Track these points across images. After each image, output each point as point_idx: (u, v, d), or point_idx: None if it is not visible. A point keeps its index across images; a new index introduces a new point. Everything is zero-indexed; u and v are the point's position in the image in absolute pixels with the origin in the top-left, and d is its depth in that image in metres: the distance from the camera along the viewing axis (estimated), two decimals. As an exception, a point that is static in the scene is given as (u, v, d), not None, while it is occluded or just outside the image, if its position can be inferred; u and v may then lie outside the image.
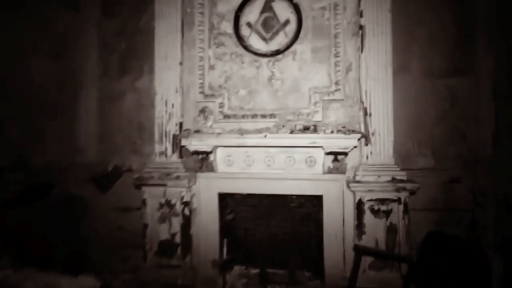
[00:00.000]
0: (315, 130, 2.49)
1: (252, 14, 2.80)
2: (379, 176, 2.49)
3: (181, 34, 2.83)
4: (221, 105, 2.79)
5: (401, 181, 2.48)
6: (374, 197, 2.49)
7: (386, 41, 2.58)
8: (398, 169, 2.53)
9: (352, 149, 2.49)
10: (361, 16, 2.62)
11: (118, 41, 3.27)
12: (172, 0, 2.82)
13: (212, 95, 2.81)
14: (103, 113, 3.36)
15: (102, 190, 3.36)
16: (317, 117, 2.67)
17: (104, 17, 3.35)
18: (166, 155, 2.79)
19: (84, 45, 3.37)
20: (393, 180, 2.48)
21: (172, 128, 2.79)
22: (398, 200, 2.48)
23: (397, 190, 2.47)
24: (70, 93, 3.33)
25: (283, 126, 2.55)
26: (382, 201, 2.49)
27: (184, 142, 2.63)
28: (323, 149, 2.51)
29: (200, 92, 2.82)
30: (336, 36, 2.68)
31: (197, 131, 2.65)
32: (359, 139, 2.48)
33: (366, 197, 2.49)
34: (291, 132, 2.48)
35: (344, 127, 2.60)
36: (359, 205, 2.51)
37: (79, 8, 3.37)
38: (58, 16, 3.22)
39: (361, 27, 2.62)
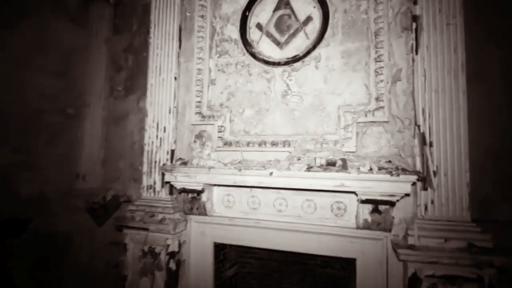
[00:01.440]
0: (344, 166, 1.74)
1: (263, 13, 2.23)
2: (446, 240, 1.61)
3: (177, 43, 2.38)
4: (221, 129, 2.22)
5: (484, 250, 1.57)
6: (439, 273, 1.61)
7: (456, 35, 1.76)
8: (478, 229, 1.62)
9: (402, 197, 1.67)
10: (415, 3, 1.86)
11: (125, 58, 2.96)
12: (169, 3, 2.39)
13: (211, 117, 2.26)
14: (108, 135, 3.05)
15: (98, 222, 2.98)
16: (349, 147, 1.92)
17: (113, 33, 3.10)
18: (154, 190, 2.28)
19: (90, 63, 3.14)
20: (470, 247, 1.58)
21: (163, 157, 2.29)
22: (479, 281, 1.56)
23: (477, 264, 1.56)
24: (72, 114, 3.10)
25: (299, 159, 1.85)
26: (451, 279, 1.60)
27: (168, 177, 2.10)
28: (356, 195, 1.74)
29: (197, 113, 2.29)
30: (377, 34, 1.94)
31: (184, 163, 2.10)
32: (414, 183, 1.65)
33: (425, 271, 1.63)
34: (309, 168, 1.75)
35: (389, 161, 1.79)
36: (414, 281, 1.64)
37: (88, 24, 3.18)
38: (64, 30, 3.05)
39: (415, 18, 1.85)
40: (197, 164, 2.00)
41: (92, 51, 3.12)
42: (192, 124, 2.29)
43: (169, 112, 2.32)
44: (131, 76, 2.89)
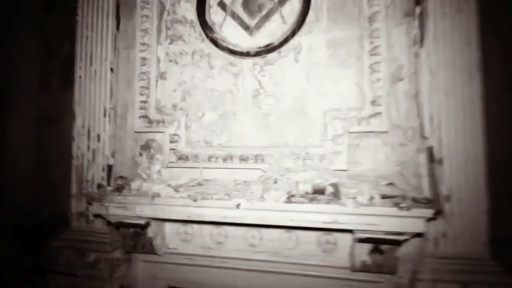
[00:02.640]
0: (335, 195, 1.32)
1: None
2: (464, 286, 1.28)
3: (114, 23, 1.79)
4: (175, 138, 1.70)
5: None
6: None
7: (469, 24, 1.41)
8: (500, 269, 1.30)
9: (413, 236, 1.31)
10: (419, -19, 1.48)
11: (59, 43, 2.28)
12: (103, -31, 1.79)
13: (161, 122, 1.72)
14: (40, 139, 2.38)
15: (29, 250, 2.35)
16: (339, 164, 1.51)
17: (44, 11, 2.40)
18: (87, 219, 1.72)
19: (16, 50, 2.43)
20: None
21: (97, 175, 1.73)
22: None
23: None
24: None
25: (275, 182, 1.41)
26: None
27: (97, 209, 1.53)
28: (353, 233, 1.34)
29: (143, 117, 1.75)
30: (371, 20, 1.53)
31: (118, 189, 1.55)
32: (429, 219, 1.28)
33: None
34: (290, 197, 1.30)
35: (391, 184, 1.42)
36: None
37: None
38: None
39: (419, 1, 1.47)
40: (138, 190, 1.47)
41: (17, 34, 2.41)
42: (136, 132, 1.74)
43: (104, 115, 1.75)
44: (68, 66, 2.22)
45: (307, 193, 1.29)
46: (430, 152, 1.42)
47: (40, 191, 2.40)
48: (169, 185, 1.43)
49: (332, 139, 1.55)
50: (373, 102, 1.52)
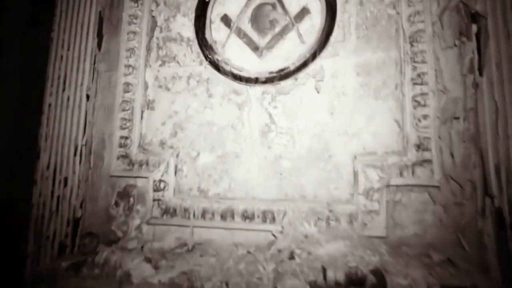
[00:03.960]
0: (381, 284, 1.02)
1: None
2: None
3: (95, 41, 1.60)
4: (161, 186, 1.45)
5: None
6: None
7: None
8: None
9: None
10: (474, -6, 1.25)
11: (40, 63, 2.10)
12: (85, -22, 1.63)
13: (145, 164, 1.48)
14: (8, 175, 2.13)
15: None
16: (375, 228, 1.23)
17: (31, 22, 2.23)
18: None
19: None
20: None
21: (60, 229, 1.47)
22: None
23: None
24: None
25: (291, 258, 1.11)
26: None
27: None
28: None
29: (122, 156, 1.51)
30: (414, 40, 1.30)
31: (77, 265, 1.26)
32: None
33: None
34: (314, 284, 1.00)
35: (449, 260, 1.12)
36: None
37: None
38: None
39: (475, 18, 1.24)
40: (103, 267, 1.17)
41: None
42: (113, 176, 1.50)
43: (75, 153, 1.51)
44: (42, 90, 2.04)
45: (339, 284, 0.98)
46: (498, 215, 1.13)
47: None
48: (147, 259, 1.14)
49: (365, 193, 1.27)
50: (419, 146, 1.26)
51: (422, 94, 1.30)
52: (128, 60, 1.57)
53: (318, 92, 1.39)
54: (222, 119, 1.48)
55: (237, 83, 1.48)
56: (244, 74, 1.45)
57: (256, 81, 1.43)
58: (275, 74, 1.43)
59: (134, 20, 1.61)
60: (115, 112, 1.56)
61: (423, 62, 1.31)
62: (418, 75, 1.31)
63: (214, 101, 1.50)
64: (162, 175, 1.47)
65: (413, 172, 1.27)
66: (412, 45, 1.33)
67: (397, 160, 1.30)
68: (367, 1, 1.43)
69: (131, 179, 1.49)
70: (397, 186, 1.26)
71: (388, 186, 1.26)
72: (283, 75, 1.41)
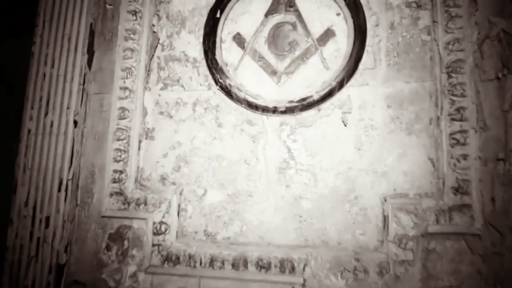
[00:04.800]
0: None
1: (247, 17, 1.44)
2: None
3: (85, 58, 1.46)
4: (161, 229, 1.31)
5: None
6: None
7: None
8: None
9: None
10: (516, 21, 1.19)
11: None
12: (74, -15, 1.48)
13: (143, 203, 1.34)
14: None
15: None
16: (408, 281, 1.14)
17: (8, 34, 2.03)
18: None
19: None
20: None
21: (40, 278, 1.30)
22: None
23: None
24: None
25: None
26: None
27: None
28: None
29: (116, 193, 1.37)
30: (452, 70, 1.23)
31: None
32: None
33: None
34: None
35: None
36: None
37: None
38: None
39: None
40: None
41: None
42: (104, 216, 1.35)
43: (60, 189, 1.35)
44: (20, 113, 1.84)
45: None
46: (549, 272, 1.06)
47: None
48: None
49: (397, 240, 1.18)
50: (457, 189, 1.18)
51: (462, 131, 1.22)
52: (124, 82, 1.44)
53: (345, 125, 1.30)
54: (233, 152, 1.37)
55: (252, 112, 1.37)
56: (260, 102, 1.35)
57: (274, 111, 1.33)
58: (295, 104, 1.32)
59: (132, 36, 1.47)
60: (108, 142, 1.42)
61: (463, 95, 1.24)
62: (457, 110, 1.24)
63: (224, 131, 1.39)
64: (163, 216, 1.33)
65: (450, 218, 1.19)
66: (450, 76, 1.27)
67: (432, 204, 1.23)
68: (399, 25, 1.36)
69: (125, 220, 1.35)
70: (431, 234, 1.19)
71: (424, 235, 1.18)
72: (305, 105, 1.31)
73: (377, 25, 1.36)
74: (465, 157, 1.23)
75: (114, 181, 1.37)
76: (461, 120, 1.24)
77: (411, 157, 1.28)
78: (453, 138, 1.25)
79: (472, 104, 1.24)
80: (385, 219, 1.25)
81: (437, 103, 1.28)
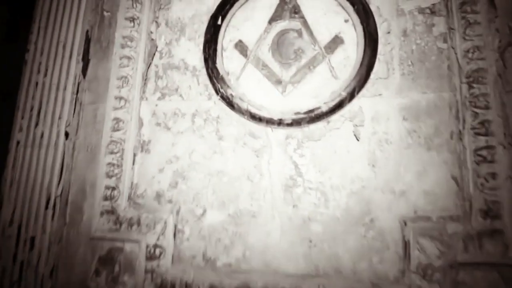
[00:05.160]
0: None
1: (250, 24, 1.35)
2: None
3: (79, 66, 1.38)
4: (156, 252, 1.18)
5: None
6: None
7: None
8: None
9: None
10: (544, 28, 1.09)
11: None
12: (71, -9, 1.43)
13: (136, 223, 1.21)
14: None
15: None
16: None
17: (6, 39, 1.99)
18: None
19: None
20: None
21: None
22: None
23: None
24: None
25: None
26: None
27: None
28: None
29: (107, 212, 1.24)
30: (473, 80, 1.13)
31: None
32: None
33: None
34: None
35: None
36: None
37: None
38: None
39: None
40: None
41: None
42: (94, 238, 1.23)
43: (47, 206, 1.25)
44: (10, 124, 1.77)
45: None
46: None
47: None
48: None
49: (420, 270, 1.04)
50: (486, 213, 1.06)
51: (488, 147, 1.10)
52: (119, 91, 1.33)
53: (357, 139, 1.19)
54: (235, 167, 1.25)
55: (255, 124, 1.26)
56: (264, 113, 1.23)
57: (279, 123, 1.21)
58: (302, 115, 1.21)
59: (129, 43, 1.38)
60: (101, 155, 1.30)
61: (487, 107, 1.13)
62: (481, 124, 1.13)
63: (225, 145, 1.28)
64: (157, 238, 1.20)
65: (480, 246, 1.06)
66: (471, 86, 1.15)
67: (459, 229, 1.09)
68: (412, 32, 1.26)
69: (117, 241, 1.24)
70: (460, 264, 1.06)
71: (452, 265, 1.05)
72: (313, 116, 1.20)
73: (388, 32, 1.26)
74: (493, 176, 1.10)
75: (106, 198, 1.25)
76: (486, 134, 1.13)
77: (432, 175, 1.15)
78: (479, 155, 1.13)
79: (498, 118, 1.13)
80: (405, 245, 1.10)
81: (458, 115, 1.17)
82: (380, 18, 1.29)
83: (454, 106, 1.19)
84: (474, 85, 1.17)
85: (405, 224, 1.13)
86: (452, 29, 1.23)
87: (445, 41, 1.24)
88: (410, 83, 1.24)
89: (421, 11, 1.29)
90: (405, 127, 1.20)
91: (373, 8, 1.28)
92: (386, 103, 1.21)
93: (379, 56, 1.25)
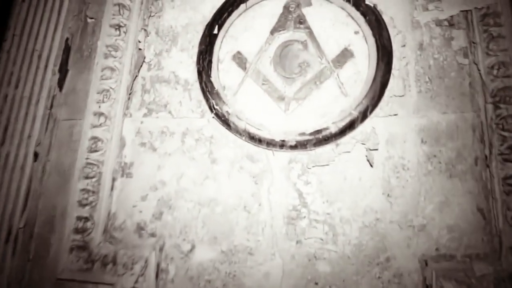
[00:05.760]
0: None
1: (250, 34, 1.22)
2: None
3: (56, 77, 1.22)
4: None
5: None
6: None
7: None
8: None
9: None
10: None
11: None
12: (51, -4, 1.29)
13: (112, 262, 1.02)
14: None
15: None
16: None
17: None
18: None
19: None
20: None
21: None
22: None
23: None
24: None
25: None
26: None
27: None
28: None
29: (78, 247, 1.04)
30: (499, 99, 1.00)
31: None
32: None
33: None
34: None
35: None
36: None
37: None
38: None
39: None
40: None
41: None
42: (61, 279, 1.03)
43: (7, 240, 1.06)
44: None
45: None
46: None
47: None
48: None
49: None
50: None
51: (518, 176, 1.00)
52: (99, 106, 1.16)
53: (371, 165, 1.05)
54: (230, 195, 1.09)
55: (254, 146, 1.10)
56: (264, 134, 1.08)
57: (281, 145, 1.06)
58: (308, 137, 1.06)
59: (114, 53, 1.23)
60: (73, 180, 1.11)
61: (509, 129, 1.03)
62: (510, 149, 1.00)
63: (219, 168, 1.11)
64: (136, 281, 1.01)
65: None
66: (497, 107, 1.04)
67: (488, 270, 0.94)
68: (429, 45, 1.15)
69: (88, 284, 1.06)
70: None
71: None
72: (320, 138, 1.05)
73: (404, 46, 1.13)
74: (526, 207, 1.00)
75: (77, 231, 1.05)
76: (509, 161, 1.04)
77: (455, 207, 1.00)
78: (508, 184, 1.00)
79: (526, 140, 1.04)
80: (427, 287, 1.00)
81: (482, 139, 1.04)
82: (394, 30, 1.18)
83: (478, 128, 1.07)
84: (501, 105, 1.05)
85: (426, 264, 0.98)
86: (474, 43, 1.12)
87: (465, 56, 1.13)
88: (428, 102, 1.12)
89: (438, 23, 1.18)
90: (423, 151, 1.06)
91: (386, 18, 1.16)
92: (403, 123, 1.07)
93: (394, 71, 1.12)
